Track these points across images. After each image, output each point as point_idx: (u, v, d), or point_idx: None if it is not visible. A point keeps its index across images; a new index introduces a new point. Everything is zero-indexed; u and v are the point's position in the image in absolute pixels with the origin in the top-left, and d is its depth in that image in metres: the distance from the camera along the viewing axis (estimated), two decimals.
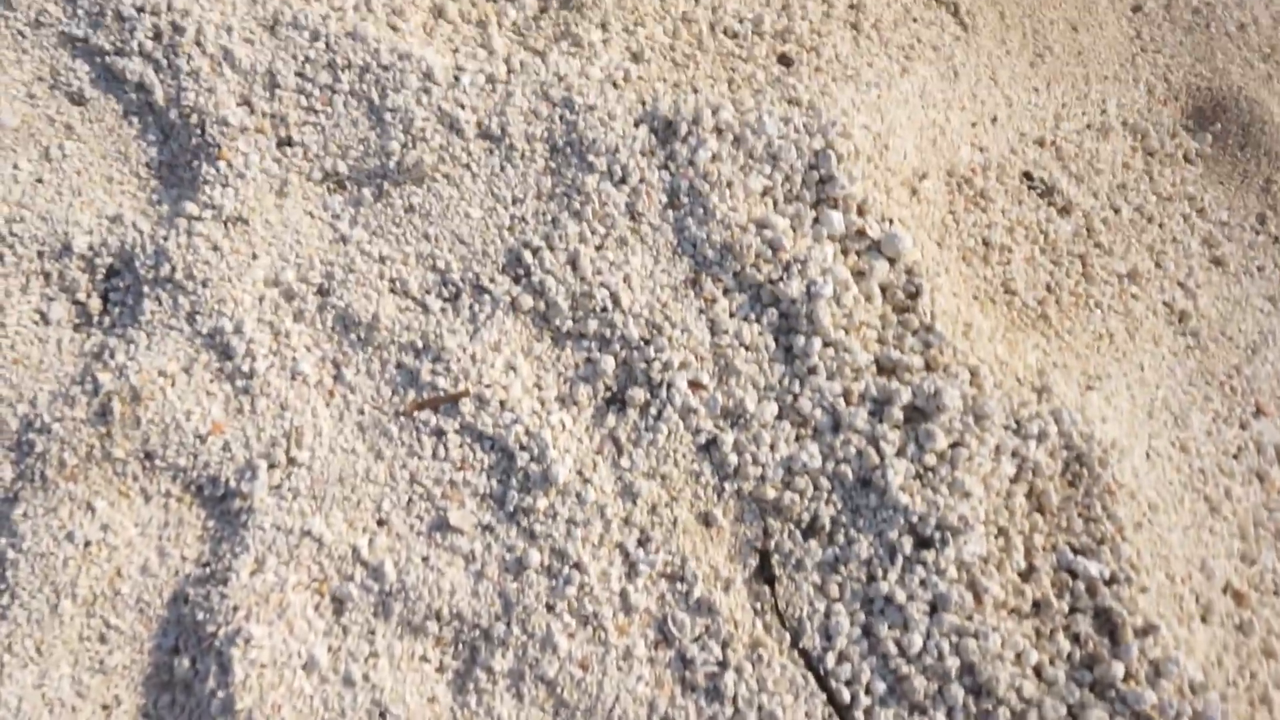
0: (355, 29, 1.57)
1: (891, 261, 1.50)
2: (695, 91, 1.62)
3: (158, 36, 1.60)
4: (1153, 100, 2.18)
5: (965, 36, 2.03)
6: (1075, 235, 1.87)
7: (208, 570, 1.29)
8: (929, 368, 1.44)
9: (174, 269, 1.43)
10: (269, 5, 1.62)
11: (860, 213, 1.54)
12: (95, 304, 1.48)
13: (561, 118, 1.54)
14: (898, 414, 1.37)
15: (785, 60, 1.73)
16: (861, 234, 1.53)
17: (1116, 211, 1.94)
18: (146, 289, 1.43)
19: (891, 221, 1.55)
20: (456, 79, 1.55)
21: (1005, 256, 1.77)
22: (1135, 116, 2.13)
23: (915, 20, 2.00)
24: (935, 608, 1.27)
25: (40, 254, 1.49)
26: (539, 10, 1.68)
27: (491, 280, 1.43)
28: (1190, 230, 1.98)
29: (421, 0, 1.66)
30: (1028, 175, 1.92)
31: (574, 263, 1.41)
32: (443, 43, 1.61)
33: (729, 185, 1.50)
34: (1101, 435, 1.47)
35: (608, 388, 1.40)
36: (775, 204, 1.54)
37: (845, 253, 1.49)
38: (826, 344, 1.43)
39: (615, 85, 1.62)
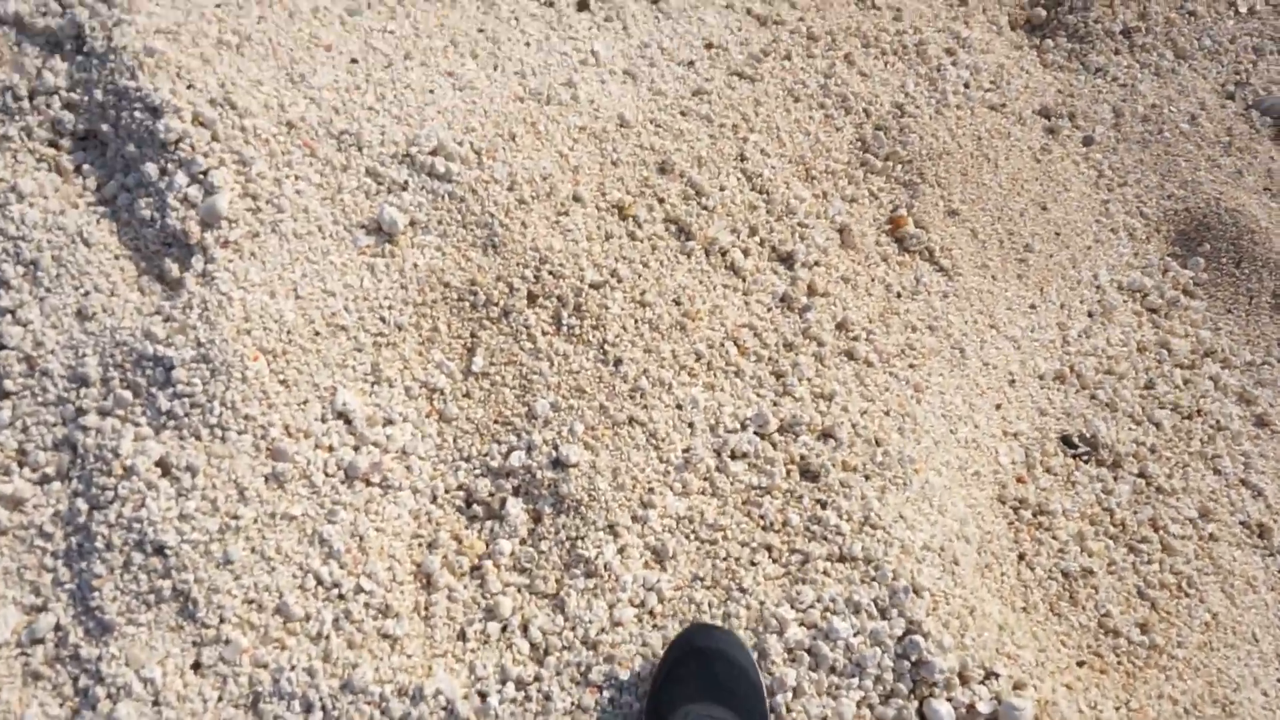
0: (350, 679, 1.15)
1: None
2: (743, 592, 1.31)
3: None
4: (1136, 244, 1.94)
5: (950, 285, 1.73)
6: (1136, 494, 1.67)
7: None
8: None
9: None
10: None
11: (963, 680, 1.31)
12: None
13: (607, 682, 1.22)
14: None
15: (808, 472, 1.43)
16: (973, 710, 1.30)
17: (1158, 426, 1.74)
18: None
19: (997, 677, 1.32)
20: (483, 701, 1.18)
21: (1090, 583, 1.57)
22: (1128, 275, 1.89)
23: (899, 294, 1.68)
24: None
25: None
26: (532, 524, 1.31)
27: None
28: (1225, 395, 1.80)
29: (406, 584, 1.25)
30: (1066, 441, 1.69)
31: None
32: (446, 630, 1.22)
33: None
34: None
35: None
36: (873, 709, 1.29)
37: None
38: None
39: (652, 614, 1.30)
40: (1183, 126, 2.06)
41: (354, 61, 1.49)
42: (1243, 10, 2.30)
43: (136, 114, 1.32)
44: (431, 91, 1.52)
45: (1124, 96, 2.09)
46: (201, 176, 1.31)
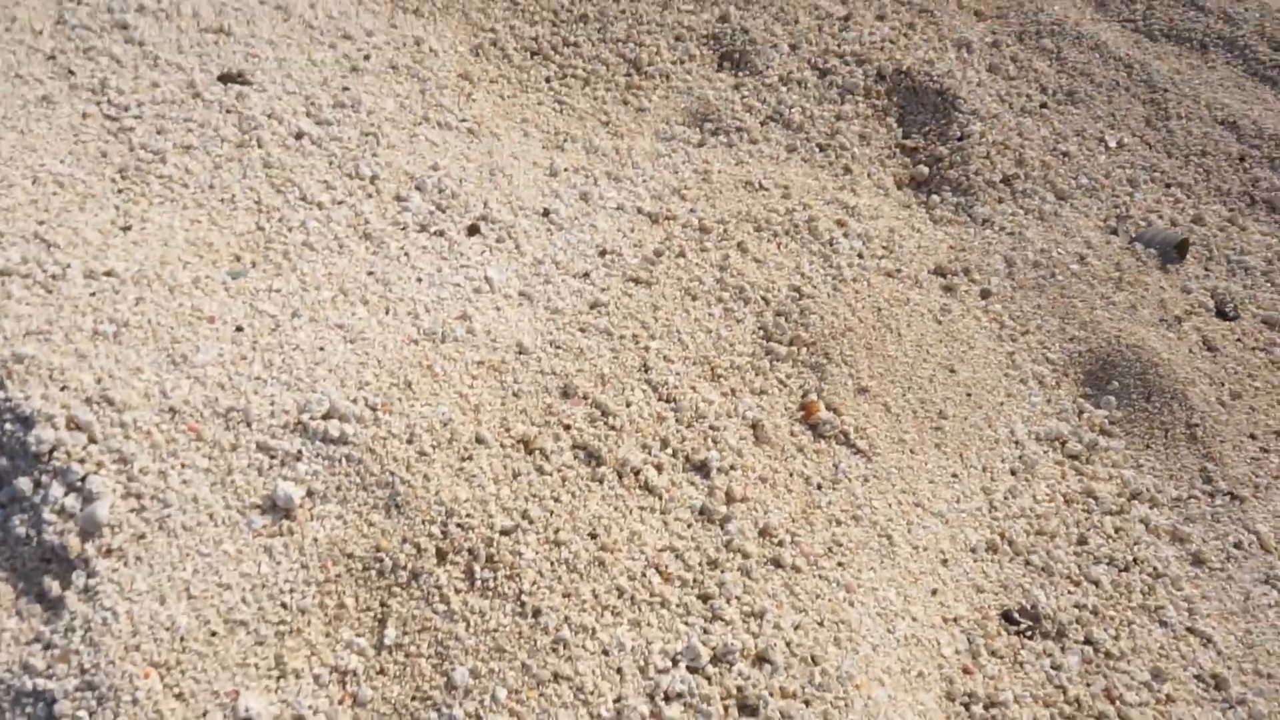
0: None
1: None
2: None
3: None
4: (1047, 391, 1.96)
5: (870, 468, 1.72)
6: (1085, 665, 1.63)
7: None
8: None
9: None
10: None
11: None
12: None
13: None
14: None
15: (746, 707, 1.37)
16: None
17: (1097, 584, 1.72)
18: None
19: None
20: None
21: None
22: (1044, 424, 1.90)
23: (820, 485, 1.66)
24: None
25: None
26: None
27: None
28: (1158, 538, 1.79)
29: None
30: (1007, 618, 1.66)
31: None
32: None
33: None
34: None
35: None
36: None
37: None
38: None
39: None
40: (1073, 268, 2.11)
41: (239, 329, 1.47)
42: (1112, 145, 2.39)
43: (7, 426, 1.28)
44: (322, 349, 1.50)
45: (1013, 245, 2.14)
46: (79, 484, 1.26)
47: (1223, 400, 1.96)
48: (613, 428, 1.59)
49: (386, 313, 1.62)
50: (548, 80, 2.29)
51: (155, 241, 1.59)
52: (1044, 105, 2.46)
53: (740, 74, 2.38)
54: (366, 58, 2.09)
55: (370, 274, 1.67)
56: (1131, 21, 2.72)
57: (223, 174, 1.73)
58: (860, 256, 2.03)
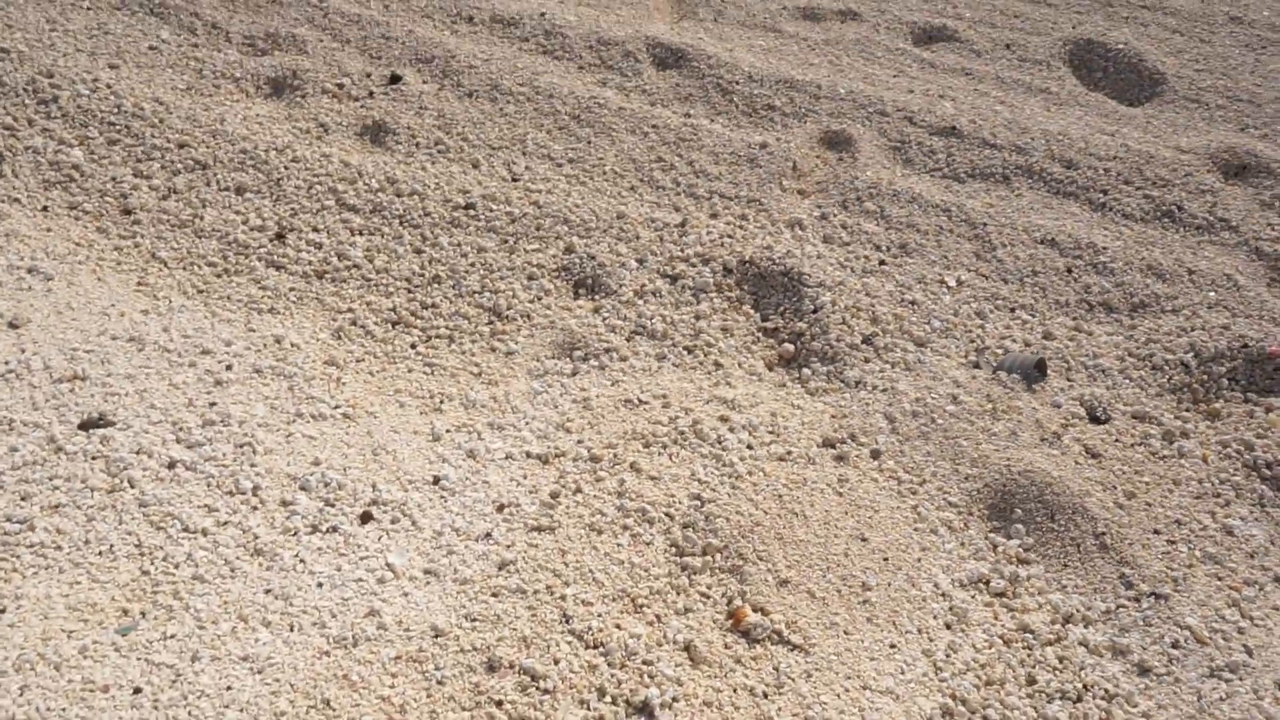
0: None
1: None
2: None
3: None
4: (957, 535, 2.00)
5: (810, 661, 1.71)
6: None
7: None
8: None
9: None
10: None
11: None
12: None
13: None
14: None
15: None
16: None
17: None
18: None
19: None
20: None
21: None
22: (964, 569, 1.93)
23: (765, 694, 1.64)
24: None
25: None
26: None
27: None
28: (1100, 657, 1.80)
29: None
30: None
31: None
32: None
33: None
34: None
35: None
36: None
37: None
38: None
39: None
40: (949, 409, 2.20)
41: (137, 691, 1.40)
42: (952, 284, 2.55)
43: None
44: (229, 688, 1.43)
45: (889, 400, 2.23)
46: None
47: (1119, 503, 2.03)
48: (546, 691, 1.55)
49: (291, 630, 1.57)
50: (413, 346, 2.33)
51: (34, 618, 1.52)
52: (882, 263, 2.62)
53: (597, 298, 2.47)
54: (229, 368, 2.10)
55: (268, 592, 1.63)
56: (937, 170, 2.95)
57: (97, 525, 1.69)
58: (750, 448, 2.08)
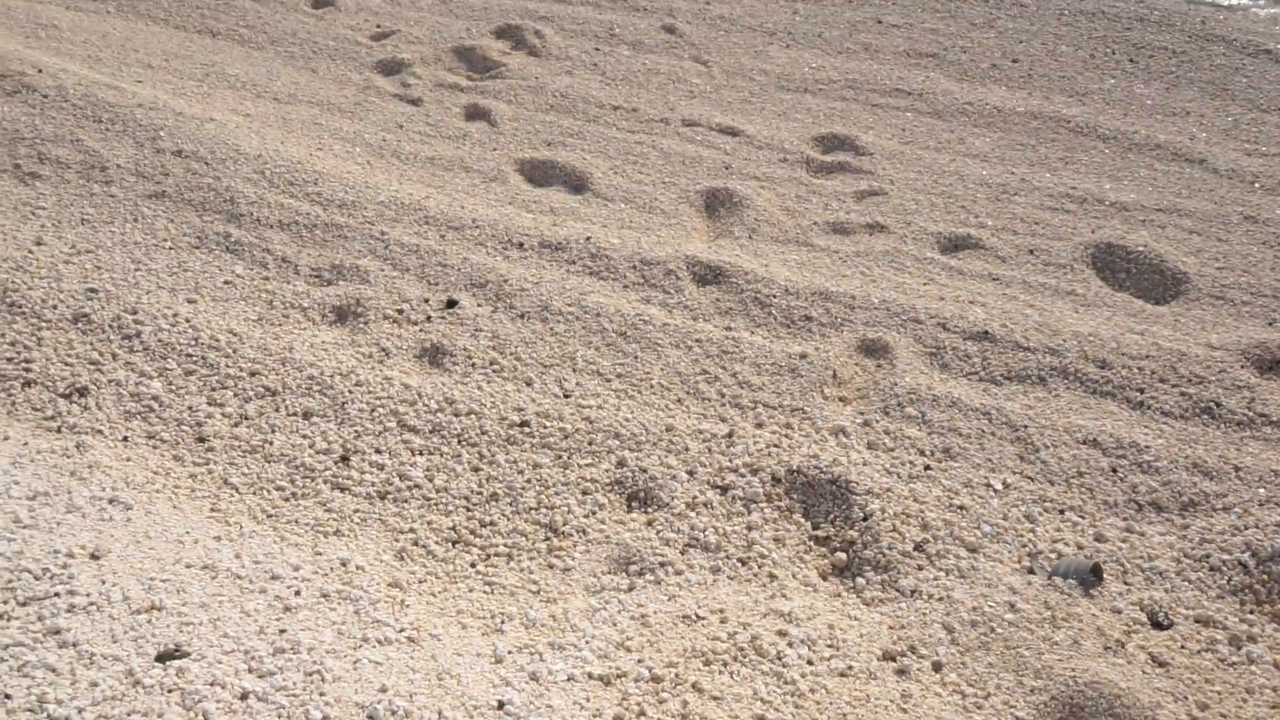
0: None
1: None
2: None
3: None
4: None
5: None
6: None
7: None
8: None
9: None
10: None
11: None
12: None
13: None
14: None
15: None
16: None
17: None
18: None
19: None
20: None
21: None
22: None
23: None
24: None
25: None
26: None
27: None
28: None
29: None
30: None
31: None
32: None
33: None
34: None
35: None
36: None
37: None
38: None
39: None
40: (1008, 618, 2.20)
41: None
42: (999, 488, 2.58)
43: None
44: None
45: (947, 610, 2.23)
46: None
47: (1193, 715, 1.99)
48: None
49: None
50: (473, 565, 2.39)
51: None
52: (927, 467, 2.67)
53: (650, 510, 2.54)
54: (297, 594, 2.16)
55: None
56: (974, 374, 3.05)
57: None
58: (810, 664, 2.08)
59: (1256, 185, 4.07)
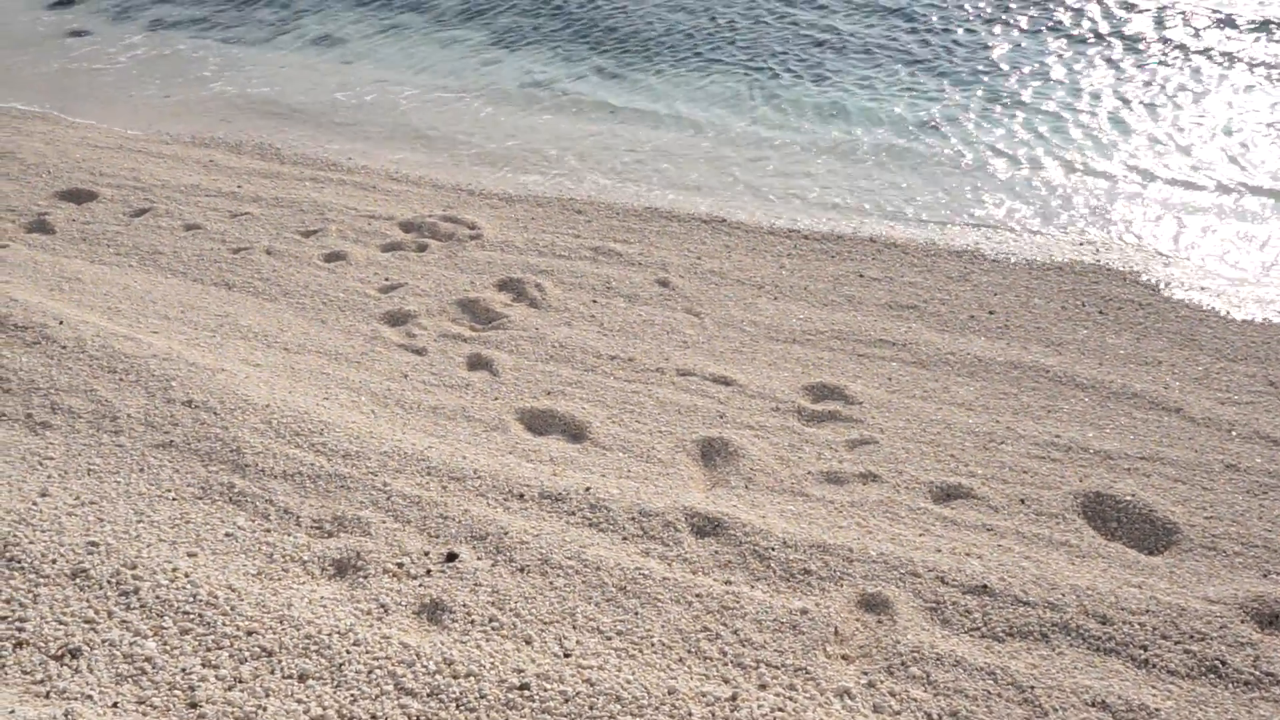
0: None
1: None
2: None
3: None
4: None
5: None
6: None
7: None
8: None
9: None
10: None
11: None
12: None
13: None
14: None
15: None
16: None
17: None
18: None
19: None
20: None
21: None
22: None
23: None
24: None
25: None
26: None
27: None
28: None
29: None
30: None
31: None
32: None
33: None
34: None
35: None
36: None
37: None
38: None
39: None
40: None
41: None
42: None
43: None
44: None
45: None
46: None
47: None
48: None
49: None
50: None
51: None
52: None
53: None
54: None
55: None
56: (976, 630, 3.04)
57: None
58: None
59: (1233, 433, 4.21)
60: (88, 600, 3.02)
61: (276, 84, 9.08)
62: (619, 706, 2.70)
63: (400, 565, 3.29)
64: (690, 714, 2.67)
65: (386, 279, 5.63)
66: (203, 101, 8.76)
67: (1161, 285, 5.60)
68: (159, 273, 5.72)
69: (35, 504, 3.49)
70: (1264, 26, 8.97)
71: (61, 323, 4.73)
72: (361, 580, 3.23)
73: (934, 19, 9.57)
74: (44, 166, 7.04)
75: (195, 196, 6.70)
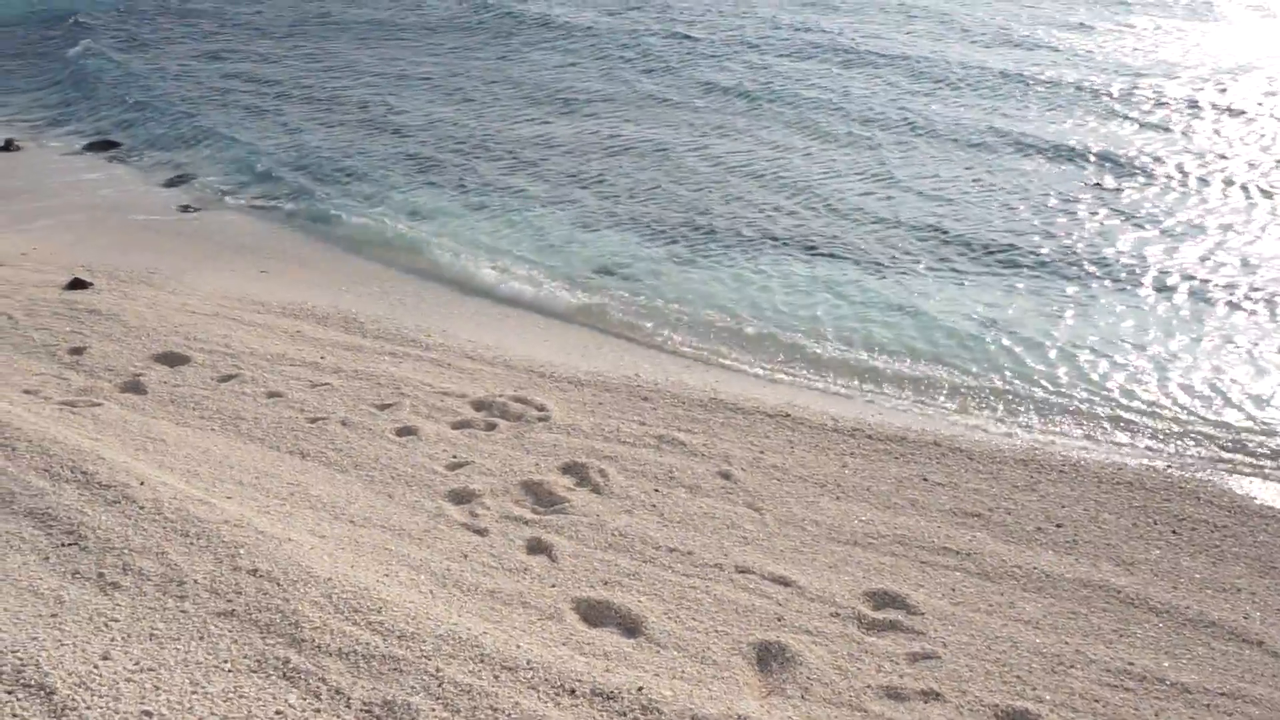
0: None
1: None
2: None
3: None
4: None
5: None
6: None
7: None
8: None
9: None
10: None
11: None
12: None
13: None
14: None
15: None
16: None
17: None
18: None
19: None
20: None
21: None
22: None
23: None
24: None
25: None
26: None
27: None
28: None
29: None
30: None
31: None
32: None
33: None
34: None
35: None
36: None
37: None
38: None
39: None
40: None
41: None
42: None
43: None
44: None
45: None
46: None
47: None
48: None
49: None
50: None
51: None
52: None
53: None
54: None
55: None
56: None
57: None
58: None
59: None
60: None
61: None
62: None
63: None
64: None
65: (454, 456, 5.76)
66: (290, 271, 9.27)
67: (1239, 507, 5.46)
68: (239, 438, 5.94)
69: (96, 667, 3.54)
70: None
71: (143, 483, 4.90)
72: None
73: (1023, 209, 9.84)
74: (144, 329, 7.46)
75: (280, 365, 7.01)
